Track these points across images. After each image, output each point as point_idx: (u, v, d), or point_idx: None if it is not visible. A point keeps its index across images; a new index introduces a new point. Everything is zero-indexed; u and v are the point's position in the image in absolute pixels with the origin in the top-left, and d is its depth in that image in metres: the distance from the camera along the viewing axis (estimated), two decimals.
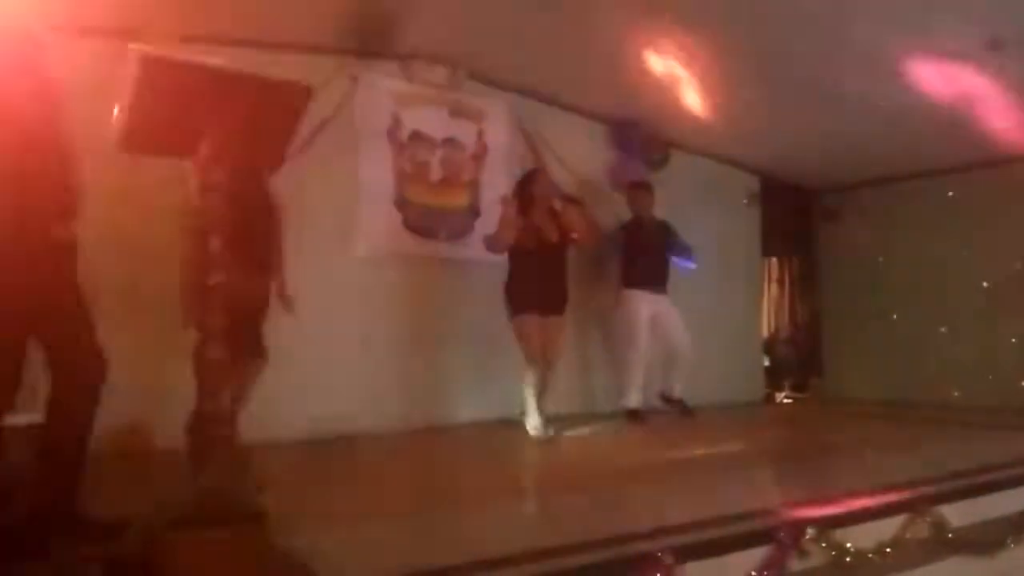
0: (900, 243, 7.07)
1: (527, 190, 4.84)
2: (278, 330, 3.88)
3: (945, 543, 2.99)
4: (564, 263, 4.91)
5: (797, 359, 7.86)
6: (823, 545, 2.60)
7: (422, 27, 4.91)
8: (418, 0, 4.58)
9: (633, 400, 5.61)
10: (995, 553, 3.15)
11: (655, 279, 5.76)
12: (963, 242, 6.62)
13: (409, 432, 5.02)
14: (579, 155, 6.15)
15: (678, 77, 5.29)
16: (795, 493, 3.36)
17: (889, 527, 2.85)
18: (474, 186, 5.72)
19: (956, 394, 6.40)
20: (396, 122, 5.37)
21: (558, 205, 4.88)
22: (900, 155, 6.45)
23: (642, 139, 6.28)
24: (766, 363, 7.69)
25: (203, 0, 3.99)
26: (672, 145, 6.50)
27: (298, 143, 3.87)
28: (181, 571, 1.85)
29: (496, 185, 5.57)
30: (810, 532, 2.57)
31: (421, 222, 5.45)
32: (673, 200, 6.13)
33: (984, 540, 3.14)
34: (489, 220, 5.27)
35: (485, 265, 5.12)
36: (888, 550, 2.76)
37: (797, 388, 7.72)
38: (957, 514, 3.05)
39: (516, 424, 4.91)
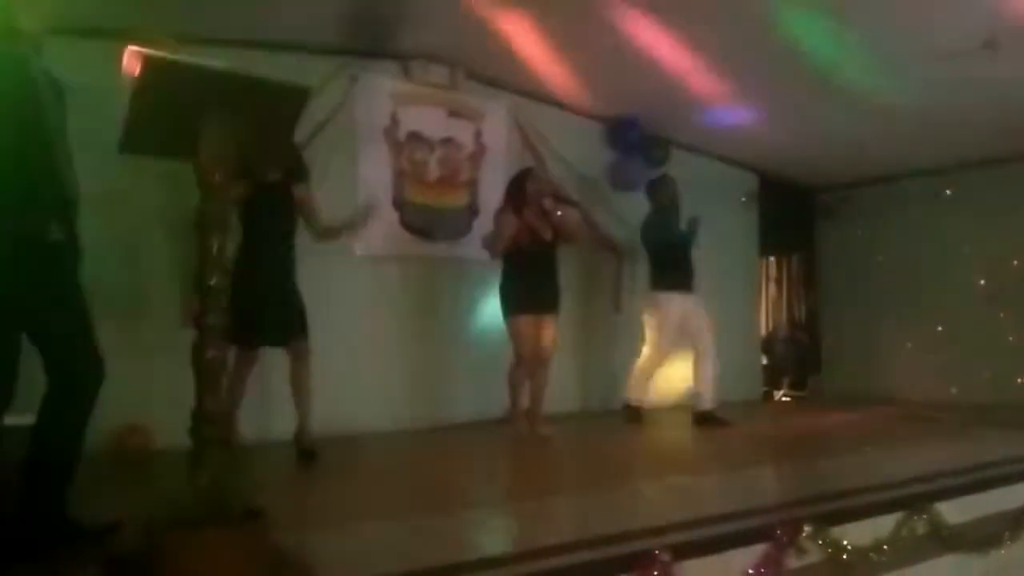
0: (898, 242, 7.09)
1: (520, 189, 4.85)
2: None
3: (942, 540, 3.01)
4: (556, 261, 4.93)
5: (795, 357, 7.88)
6: (820, 542, 2.61)
7: (421, 26, 4.91)
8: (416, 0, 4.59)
9: (703, 403, 5.51)
10: (992, 550, 3.17)
11: (686, 278, 5.62)
12: (960, 241, 6.64)
13: (407, 431, 5.03)
14: (577, 154, 6.16)
15: (676, 75, 5.30)
16: (792, 491, 3.38)
17: (886, 524, 2.86)
18: (472, 186, 5.73)
19: (953, 392, 6.42)
20: (394, 122, 5.38)
21: (550, 204, 4.89)
22: (898, 154, 6.46)
23: (641, 138, 6.29)
24: (764, 361, 7.71)
25: (203, 1, 3.99)
26: (671, 143, 6.50)
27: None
28: (179, 570, 1.86)
29: (494, 185, 5.58)
30: (807, 530, 2.58)
31: (419, 222, 5.47)
32: None
33: (981, 537, 3.17)
34: (487, 220, 5.28)
35: (483, 264, 5.13)
36: (885, 547, 2.78)
37: (795, 386, 7.74)
38: (954, 511, 3.07)
39: (511, 424, 4.93)
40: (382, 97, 5.34)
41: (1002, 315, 6.32)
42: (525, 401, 4.86)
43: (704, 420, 5.41)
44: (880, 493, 3.12)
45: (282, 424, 4.15)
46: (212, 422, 2.04)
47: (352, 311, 4.94)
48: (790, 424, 5.96)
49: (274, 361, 4.06)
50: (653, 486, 3.54)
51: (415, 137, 5.48)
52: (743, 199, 7.33)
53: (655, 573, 2.20)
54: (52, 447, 2.38)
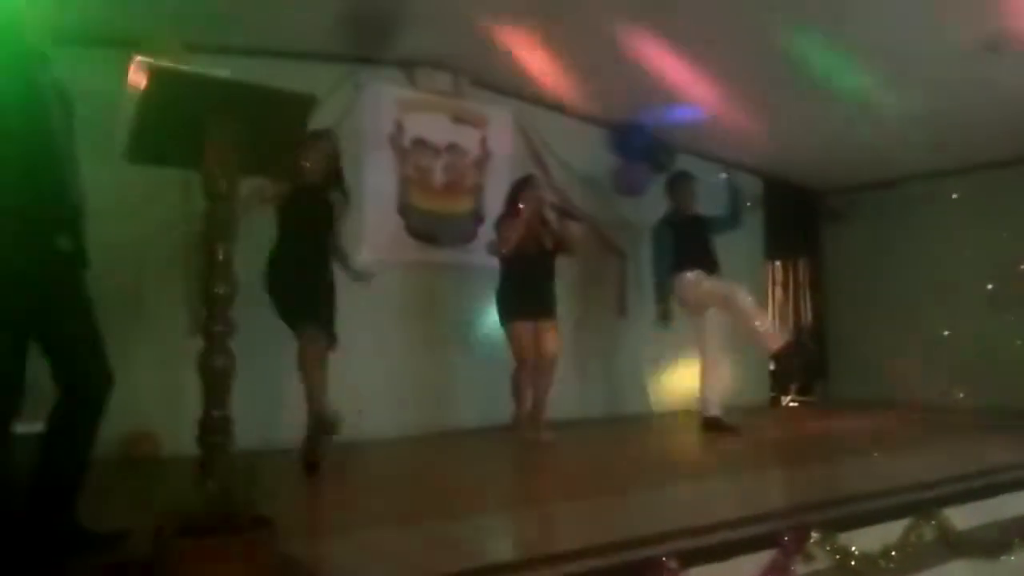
0: (904, 245, 7.06)
1: (519, 197, 4.86)
2: (283, 337, 3.90)
3: (950, 546, 2.99)
4: (553, 269, 4.95)
5: (802, 362, 7.85)
6: (828, 549, 2.60)
7: (425, 33, 4.93)
8: (421, 6, 4.61)
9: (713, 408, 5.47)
10: (1001, 556, 3.16)
11: (712, 263, 5.56)
12: (967, 244, 6.61)
13: (413, 438, 5.03)
14: (582, 160, 6.16)
15: (681, 81, 5.30)
16: (799, 496, 3.36)
17: (894, 530, 2.85)
18: (477, 192, 5.74)
19: (961, 396, 6.39)
20: (399, 129, 5.40)
21: (551, 215, 4.92)
22: (903, 157, 6.44)
23: (646, 143, 6.29)
24: (771, 367, 7.68)
25: (208, 10, 4.01)
26: (676, 148, 6.50)
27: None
28: None
29: (499, 191, 5.58)
30: (815, 536, 2.57)
31: (424, 228, 5.48)
32: None
33: (990, 543, 3.15)
34: (492, 226, 5.29)
35: (488, 271, 5.13)
36: (893, 554, 2.77)
37: (802, 391, 7.71)
38: (962, 517, 3.06)
39: (513, 430, 4.93)
40: (387, 104, 5.36)
41: (1010, 319, 6.29)
42: (529, 406, 4.86)
43: (711, 426, 5.39)
44: (888, 498, 3.10)
45: (288, 430, 4.15)
46: (219, 429, 2.05)
47: (357, 317, 4.93)
48: (797, 429, 5.94)
49: (279, 367, 4.05)
50: (660, 492, 3.53)
51: (420, 144, 5.50)
52: (748, 203, 7.30)
53: None
54: (61, 455, 2.39)
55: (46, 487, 2.37)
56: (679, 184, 5.74)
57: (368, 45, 4.97)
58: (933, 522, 2.93)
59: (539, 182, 5.06)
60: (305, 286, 3.90)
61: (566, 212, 5.16)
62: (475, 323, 5.45)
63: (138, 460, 4.02)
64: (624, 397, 6.32)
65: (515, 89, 5.74)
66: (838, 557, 2.62)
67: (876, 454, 4.43)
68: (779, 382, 7.67)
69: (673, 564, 2.22)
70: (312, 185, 4.00)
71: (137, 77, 2.16)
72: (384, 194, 5.30)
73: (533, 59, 5.18)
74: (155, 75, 2.14)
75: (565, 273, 5.07)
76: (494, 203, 5.54)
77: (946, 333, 6.68)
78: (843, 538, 2.65)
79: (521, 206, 4.78)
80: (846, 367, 7.63)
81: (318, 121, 3.77)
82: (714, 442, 5.12)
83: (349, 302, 4.25)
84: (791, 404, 7.50)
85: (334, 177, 4.14)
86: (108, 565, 2.22)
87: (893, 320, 7.07)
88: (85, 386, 2.41)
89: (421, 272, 5.44)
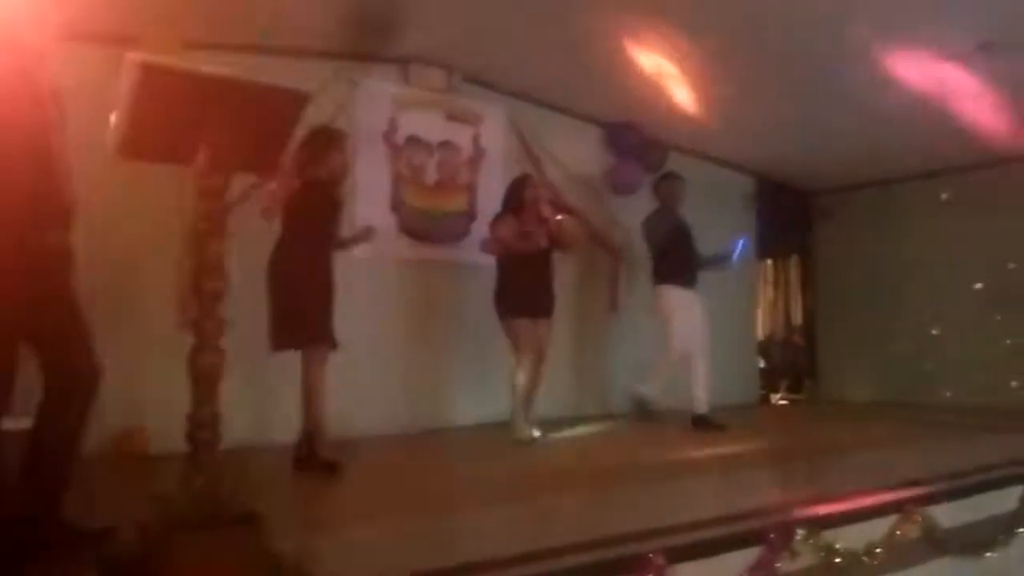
0: (894, 245, 7.10)
1: (518, 195, 4.87)
2: None
3: (935, 543, 3.03)
4: (551, 267, 4.96)
5: (792, 361, 7.90)
6: (813, 546, 2.63)
7: (419, 31, 4.94)
8: (415, 3, 4.61)
9: (647, 391, 5.56)
10: (985, 553, 3.19)
11: (691, 275, 5.59)
12: (956, 244, 6.66)
13: (405, 435, 5.04)
14: (576, 158, 6.18)
15: (674, 79, 5.32)
16: (786, 494, 3.39)
17: (879, 528, 2.88)
18: (470, 189, 5.75)
19: (948, 395, 6.43)
20: (392, 126, 5.41)
21: (547, 212, 4.92)
22: (895, 157, 6.48)
23: (639, 142, 6.31)
24: (761, 365, 7.73)
25: (201, 6, 4.01)
26: (669, 147, 6.52)
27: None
28: (173, 573, 1.88)
29: (492, 189, 5.60)
30: (800, 533, 2.60)
31: (417, 225, 5.49)
32: None
33: (974, 540, 3.18)
34: (485, 223, 5.30)
35: (481, 268, 5.14)
36: (878, 551, 2.80)
37: (792, 390, 7.76)
38: (947, 515, 3.09)
39: (510, 427, 4.93)
40: (381, 101, 5.36)
41: (998, 318, 6.34)
42: (527, 404, 4.86)
43: (700, 423, 5.42)
44: (874, 496, 3.13)
45: (280, 426, 4.16)
46: (208, 426, 2.06)
47: (350, 314, 4.93)
48: (785, 427, 5.97)
49: (271, 364, 4.05)
50: (647, 489, 3.55)
51: (413, 141, 5.50)
52: (741, 203, 7.34)
53: None
54: (49, 451, 2.39)
55: (33, 483, 2.37)
56: (667, 184, 5.76)
57: (363, 41, 4.98)
58: (918, 520, 2.96)
59: (536, 182, 5.07)
60: (311, 296, 3.84)
61: (560, 206, 5.18)
62: (468, 320, 5.46)
63: (128, 456, 4.02)
64: (616, 394, 6.33)
65: (509, 86, 5.75)
66: (823, 554, 2.65)
67: (863, 452, 4.46)
68: (769, 380, 7.71)
69: (660, 560, 2.24)
70: (321, 182, 3.97)
71: (130, 73, 2.16)
72: (377, 191, 5.30)
73: (527, 56, 5.20)
74: (147, 71, 2.15)
75: (557, 272, 5.07)
76: (487, 201, 5.56)
77: (935, 332, 6.73)
78: (828, 535, 2.67)
79: (524, 207, 4.79)
80: (836, 365, 7.67)
81: (312, 118, 3.79)
82: (702, 439, 5.15)
83: (343, 299, 4.25)
84: (781, 402, 7.54)
85: (341, 175, 4.11)
86: (96, 561, 2.22)
87: (883, 319, 7.11)
88: (74, 380, 2.41)
89: (414, 269, 5.45)
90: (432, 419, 5.28)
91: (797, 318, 8.03)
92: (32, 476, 2.37)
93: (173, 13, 3.91)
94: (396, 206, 5.41)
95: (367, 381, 4.95)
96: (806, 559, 2.62)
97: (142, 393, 4.08)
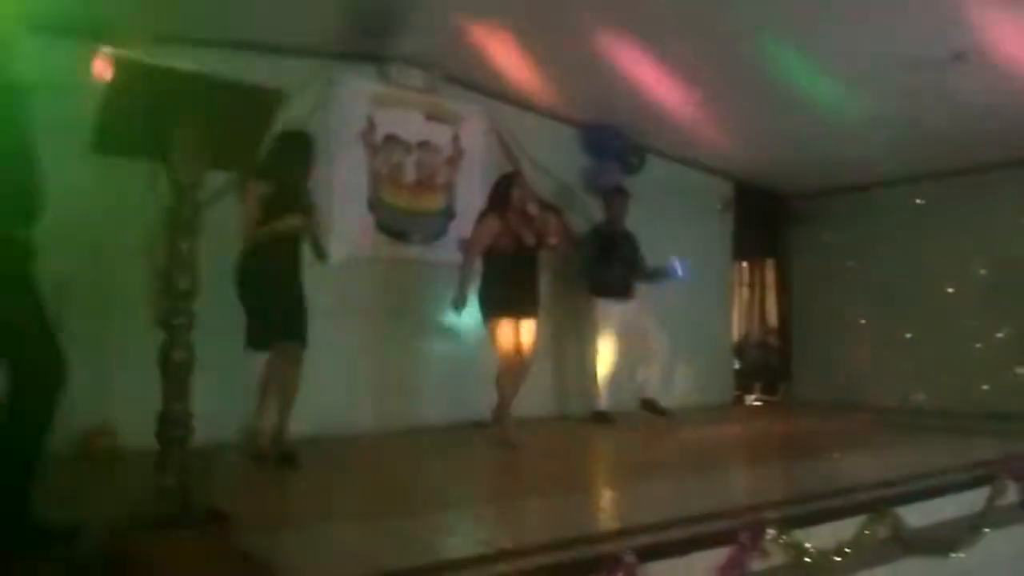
0: (869, 249, 7.18)
1: (505, 193, 4.83)
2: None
3: (903, 543, 3.07)
4: (537, 266, 4.94)
5: (767, 362, 7.97)
6: (783, 545, 2.65)
7: (399, 30, 4.92)
8: (396, 2, 4.60)
9: (601, 403, 5.84)
10: (951, 553, 3.24)
11: (625, 288, 5.92)
12: (929, 248, 6.75)
13: (381, 435, 5.02)
14: (554, 159, 6.19)
15: (652, 83, 5.35)
16: (757, 494, 3.42)
17: (849, 528, 2.91)
18: (449, 189, 5.74)
19: (921, 398, 6.52)
20: (371, 125, 5.38)
21: (534, 210, 4.90)
22: (871, 163, 6.56)
23: (617, 144, 6.34)
24: (736, 366, 7.79)
25: (179, 1, 3.98)
26: (647, 150, 6.56)
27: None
28: (142, 572, 1.86)
29: (471, 188, 5.60)
30: (770, 532, 2.62)
31: (395, 224, 5.47)
32: (647, 205, 6.19)
33: (941, 540, 3.23)
34: (464, 223, 5.30)
35: (458, 268, 5.13)
36: (847, 550, 2.83)
37: (767, 391, 7.82)
38: (915, 515, 3.13)
39: (488, 428, 4.93)
40: (359, 100, 5.34)
41: (970, 322, 6.43)
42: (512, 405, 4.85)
43: (598, 418, 5.77)
44: (843, 497, 3.17)
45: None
46: (178, 424, 2.04)
47: (326, 312, 4.91)
48: (758, 429, 6.02)
49: (248, 364, 4.03)
50: (620, 489, 3.57)
51: (392, 140, 5.49)
52: (719, 206, 7.40)
53: (620, 575, 2.23)
54: (14, 447, 2.35)
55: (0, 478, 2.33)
56: (614, 198, 6.03)
57: (341, 40, 4.95)
58: (887, 520, 3.00)
59: (524, 181, 5.04)
60: (280, 296, 3.92)
61: (547, 206, 5.19)
62: (444, 320, 5.45)
63: (97, 454, 3.97)
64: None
65: (489, 87, 5.75)
66: (794, 553, 2.68)
67: (835, 454, 4.51)
68: (744, 381, 7.78)
69: (631, 559, 2.25)
70: (293, 185, 3.99)
71: (103, 68, 2.15)
72: (355, 190, 5.28)
73: (507, 57, 5.20)
74: (121, 67, 2.13)
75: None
76: (466, 200, 5.55)
77: (908, 335, 6.81)
78: (798, 534, 2.70)
79: (511, 205, 4.79)
80: (810, 368, 7.74)
81: (290, 116, 3.78)
82: (675, 439, 5.21)
83: (318, 298, 4.24)
84: (755, 403, 7.60)
85: (309, 178, 4.16)
86: (63, 560, 2.20)
87: (856, 322, 7.18)
88: (39, 375, 2.37)
89: (391, 268, 5.43)
90: (406, 418, 5.24)
91: (772, 320, 8.11)
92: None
93: (148, 7, 3.87)
94: (373, 204, 5.39)
95: (341, 379, 4.93)
96: (776, 558, 2.64)
97: (113, 391, 4.04)
